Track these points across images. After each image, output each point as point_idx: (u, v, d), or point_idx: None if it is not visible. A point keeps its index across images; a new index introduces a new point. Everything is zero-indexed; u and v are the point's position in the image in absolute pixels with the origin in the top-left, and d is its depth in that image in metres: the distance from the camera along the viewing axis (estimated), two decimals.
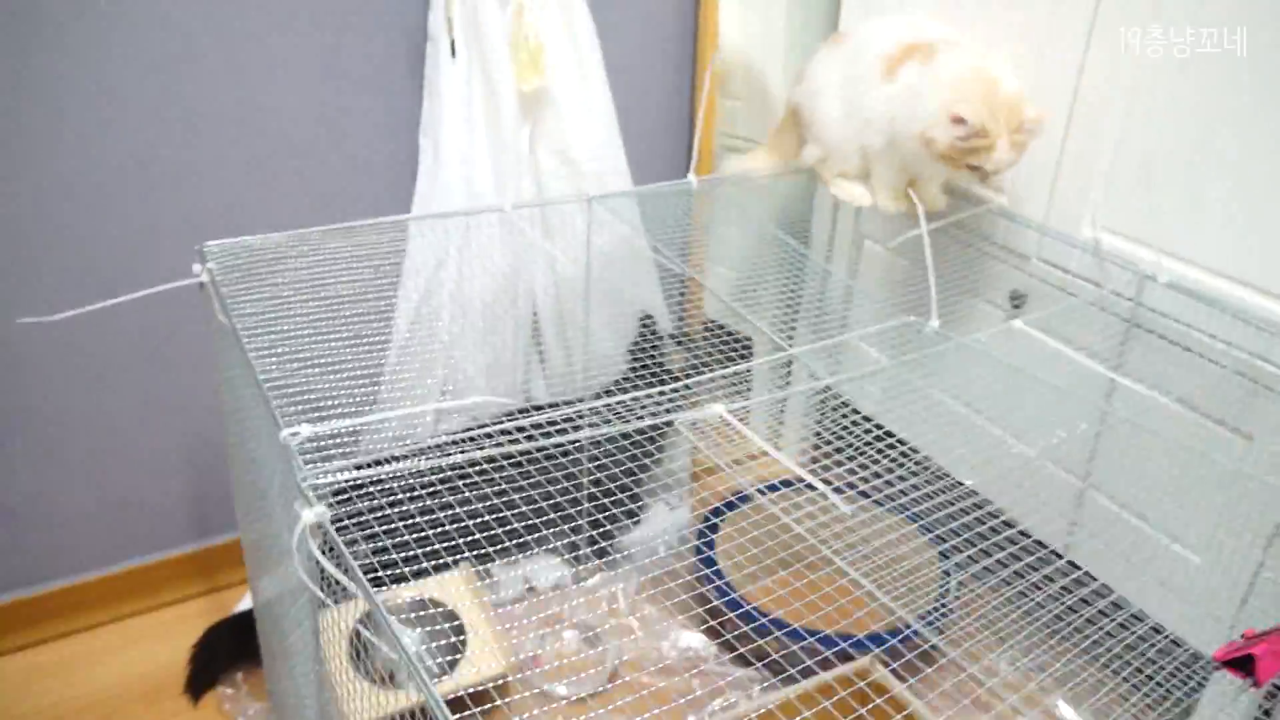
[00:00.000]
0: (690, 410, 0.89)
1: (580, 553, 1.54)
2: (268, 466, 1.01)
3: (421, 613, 1.34)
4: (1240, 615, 1.12)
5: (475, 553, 1.38)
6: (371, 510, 1.22)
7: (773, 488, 1.61)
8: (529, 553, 1.52)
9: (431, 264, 1.35)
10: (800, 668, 1.29)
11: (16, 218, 1.24)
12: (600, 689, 1.38)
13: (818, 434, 1.78)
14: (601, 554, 1.55)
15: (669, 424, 1.52)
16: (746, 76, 1.73)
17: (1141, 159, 1.17)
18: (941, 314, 1.17)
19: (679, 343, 1.56)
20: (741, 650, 1.41)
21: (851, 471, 1.16)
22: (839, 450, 1.38)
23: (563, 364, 1.52)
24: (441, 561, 1.40)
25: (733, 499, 1.61)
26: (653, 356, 1.48)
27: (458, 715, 0.59)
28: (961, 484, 1.38)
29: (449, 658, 1.30)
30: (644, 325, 1.54)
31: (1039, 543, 1.30)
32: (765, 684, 1.37)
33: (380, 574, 1.06)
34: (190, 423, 1.44)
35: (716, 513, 1.57)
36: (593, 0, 1.41)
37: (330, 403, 1.06)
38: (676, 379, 1.44)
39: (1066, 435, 1.26)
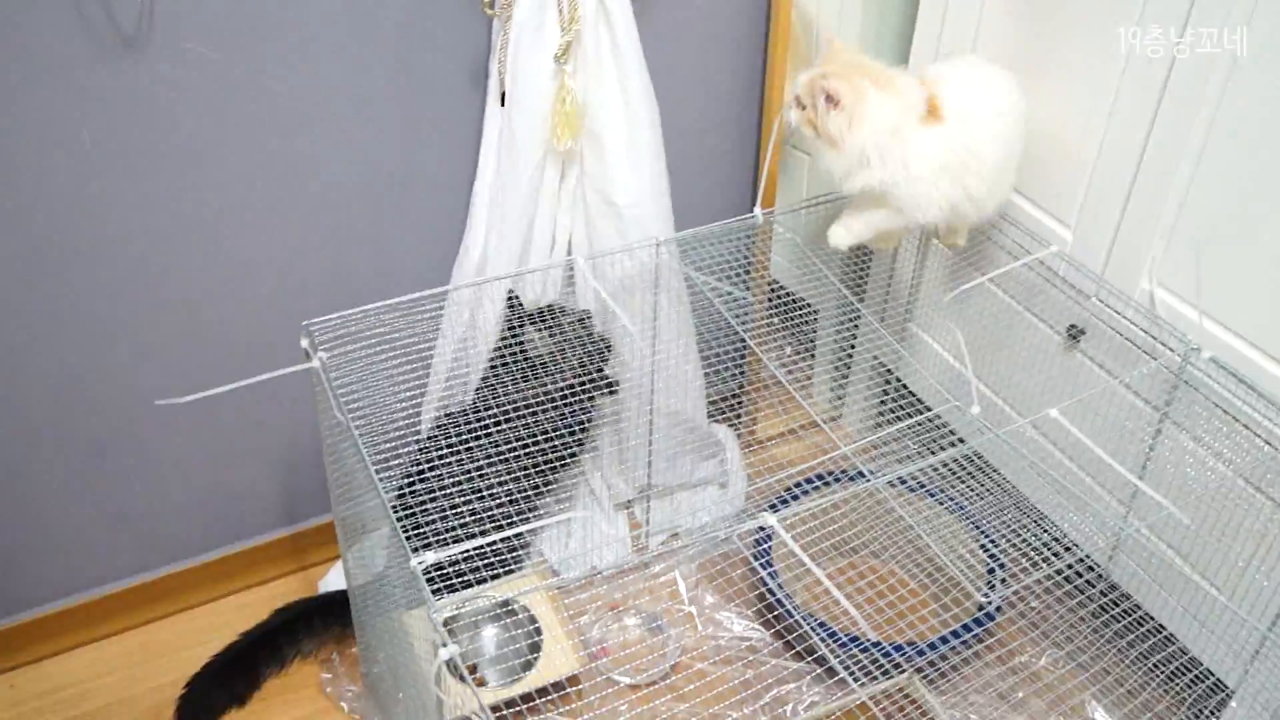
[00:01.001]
0: (746, 521, 1.11)
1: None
2: (386, 546, 1.27)
3: (502, 614, 1.62)
4: (1256, 658, 1.35)
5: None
6: (441, 513, 1.47)
7: (830, 477, 1.84)
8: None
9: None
10: (847, 673, 1.56)
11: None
12: (662, 677, 1.66)
13: (877, 424, 2.00)
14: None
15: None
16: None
17: (1202, 224, 1.32)
18: (995, 355, 1.35)
19: (537, 327, 1.63)
20: (795, 647, 1.67)
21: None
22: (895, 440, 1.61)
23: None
24: (516, 556, 1.67)
25: (790, 486, 1.84)
26: (516, 338, 1.62)
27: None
28: (1010, 484, 1.60)
29: (530, 656, 1.58)
30: (510, 305, 1.64)
31: (1084, 559, 1.53)
32: (815, 677, 1.64)
33: (464, 576, 1.29)
34: (282, 426, 1.69)
35: (773, 507, 1.82)
36: (647, 46, 1.54)
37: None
38: (542, 361, 1.60)
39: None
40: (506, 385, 1.58)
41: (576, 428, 1.62)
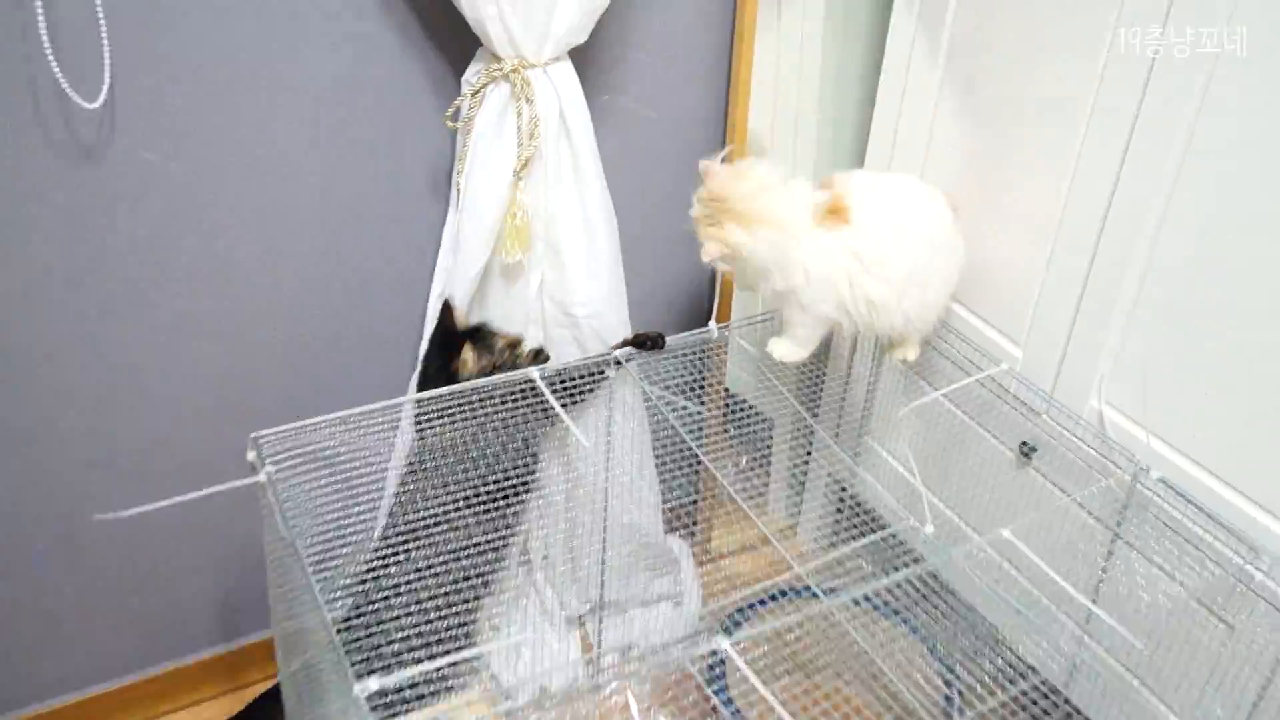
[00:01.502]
0: (699, 644, 1.10)
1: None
2: (323, 661, 1.24)
3: None
4: None
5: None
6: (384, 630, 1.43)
7: (779, 594, 1.83)
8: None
9: None
10: None
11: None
12: None
13: (832, 542, 2.01)
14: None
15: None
16: None
17: (1148, 346, 1.36)
18: (950, 470, 1.36)
19: (475, 343, 1.54)
20: None
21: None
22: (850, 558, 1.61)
23: None
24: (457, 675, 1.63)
25: (743, 607, 1.83)
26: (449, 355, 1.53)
27: None
28: (966, 605, 1.60)
29: None
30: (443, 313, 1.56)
31: (1042, 683, 1.53)
32: None
33: (399, 697, 1.25)
34: (221, 539, 1.67)
35: (726, 630, 1.80)
36: (608, 158, 1.59)
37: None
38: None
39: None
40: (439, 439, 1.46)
41: (521, 462, 1.54)
